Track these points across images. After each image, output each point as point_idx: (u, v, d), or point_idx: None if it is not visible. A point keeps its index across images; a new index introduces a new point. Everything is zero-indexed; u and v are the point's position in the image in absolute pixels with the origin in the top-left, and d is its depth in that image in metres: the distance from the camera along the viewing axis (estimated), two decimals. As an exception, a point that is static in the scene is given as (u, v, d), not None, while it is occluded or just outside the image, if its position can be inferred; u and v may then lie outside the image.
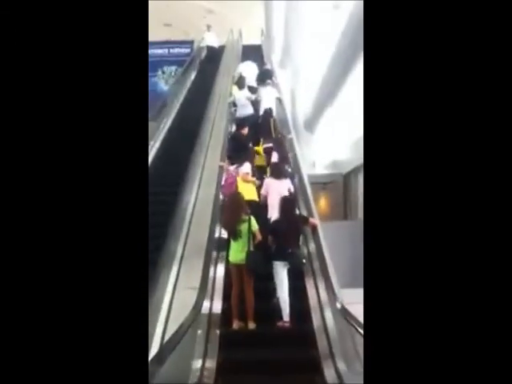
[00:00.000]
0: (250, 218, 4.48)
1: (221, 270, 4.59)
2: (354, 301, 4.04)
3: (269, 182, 5.32)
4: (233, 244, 4.40)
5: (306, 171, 6.32)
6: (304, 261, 4.55)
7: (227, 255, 4.49)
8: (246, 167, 5.71)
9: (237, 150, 6.34)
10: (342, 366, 3.30)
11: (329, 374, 3.40)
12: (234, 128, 7.80)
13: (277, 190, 5.12)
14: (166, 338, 3.10)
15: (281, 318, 4.17)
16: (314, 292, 4.29)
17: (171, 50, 18.09)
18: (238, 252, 4.34)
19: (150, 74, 17.36)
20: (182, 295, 3.86)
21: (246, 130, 7.02)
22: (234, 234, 4.36)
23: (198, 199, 5.81)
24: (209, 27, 14.26)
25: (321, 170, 11.94)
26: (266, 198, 5.19)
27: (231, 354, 3.73)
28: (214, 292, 4.22)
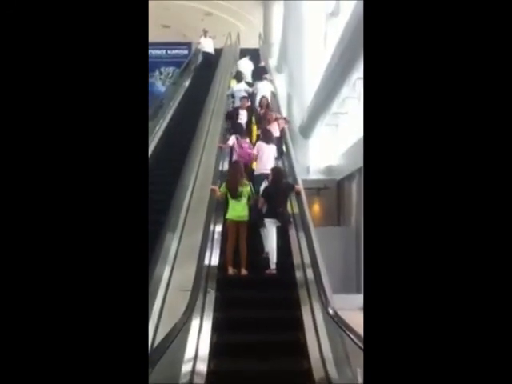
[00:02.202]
0: (249, 184, 5.39)
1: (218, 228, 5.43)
2: (346, 306, 4.11)
3: (259, 144, 6.39)
4: (233, 204, 5.16)
5: (300, 176, 6.36)
6: (291, 219, 5.39)
7: (225, 214, 5.28)
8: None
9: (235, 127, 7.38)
10: (316, 305, 3.89)
11: (305, 309, 4.11)
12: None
13: (266, 151, 6.26)
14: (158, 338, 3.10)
15: (269, 266, 4.97)
16: (297, 247, 4.99)
17: (169, 52, 18.11)
18: (238, 211, 5.13)
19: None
20: (176, 296, 4.04)
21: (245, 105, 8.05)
22: (236, 195, 5.16)
23: (193, 198, 5.96)
24: (205, 32, 13.75)
25: (315, 175, 11.96)
26: (257, 156, 6.31)
27: (226, 294, 4.41)
28: (212, 247, 4.89)
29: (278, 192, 5.32)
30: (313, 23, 12.08)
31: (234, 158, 6.58)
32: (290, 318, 4.15)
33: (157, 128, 8.87)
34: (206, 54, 13.42)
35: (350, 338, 2.78)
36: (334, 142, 12.15)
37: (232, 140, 6.75)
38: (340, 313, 3.50)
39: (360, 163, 9.39)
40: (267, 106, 7.88)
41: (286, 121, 7.94)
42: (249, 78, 9.82)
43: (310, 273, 4.29)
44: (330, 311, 3.40)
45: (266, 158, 6.16)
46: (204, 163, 7.01)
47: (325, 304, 3.54)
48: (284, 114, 9.31)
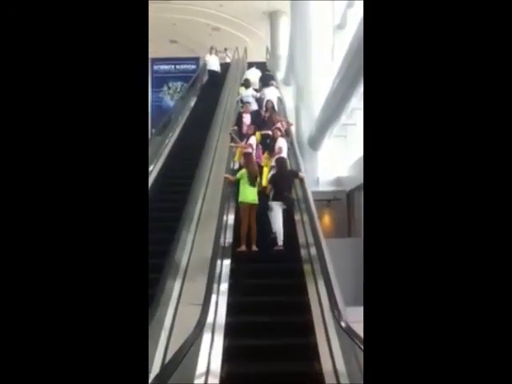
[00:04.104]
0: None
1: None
2: (358, 319, 4.07)
3: (281, 140, 7.33)
4: (247, 189, 5.95)
5: (310, 188, 6.39)
6: (295, 203, 6.28)
7: (237, 198, 6.08)
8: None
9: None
10: (319, 281, 4.41)
11: (309, 280, 4.83)
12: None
13: (285, 145, 7.30)
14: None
15: (276, 244, 5.77)
16: (301, 227, 5.80)
17: (177, 66, 18.34)
18: (252, 195, 5.97)
19: (156, 90, 17.60)
20: (186, 310, 4.15)
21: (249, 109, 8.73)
22: (255, 183, 6.03)
23: (203, 213, 5.95)
24: (211, 50, 13.44)
25: (324, 187, 11.94)
26: (280, 149, 7.09)
27: (239, 266, 5.25)
28: (226, 233, 5.60)
29: (282, 179, 6.19)
30: (320, 36, 12.16)
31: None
32: (297, 284, 4.87)
33: (166, 142, 8.96)
34: (212, 72, 13.12)
35: (362, 350, 2.76)
36: (342, 154, 12.14)
37: (253, 140, 7.36)
38: (352, 325, 3.49)
39: (369, 174, 9.35)
40: (272, 108, 8.60)
41: (289, 124, 8.78)
42: (256, 85, 10.59)
43: (313, 251, 4.90)
44: (343, 324, 3.37)
45: (284, 151, 7.10)
46: (215, 169, 7.39)
47: (337, 317, 3.52)
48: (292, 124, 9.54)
